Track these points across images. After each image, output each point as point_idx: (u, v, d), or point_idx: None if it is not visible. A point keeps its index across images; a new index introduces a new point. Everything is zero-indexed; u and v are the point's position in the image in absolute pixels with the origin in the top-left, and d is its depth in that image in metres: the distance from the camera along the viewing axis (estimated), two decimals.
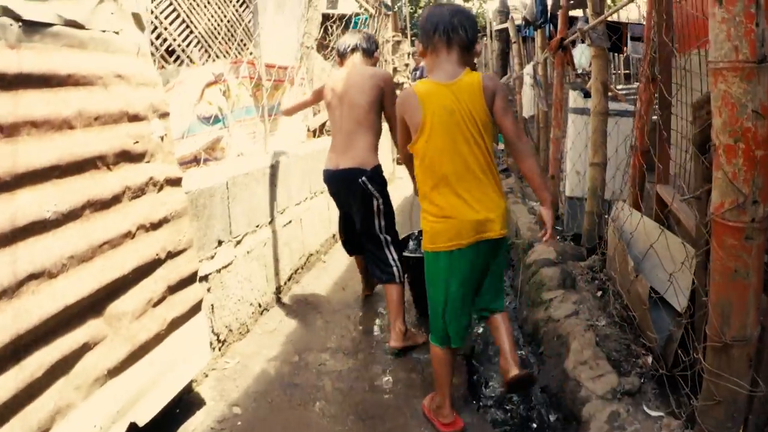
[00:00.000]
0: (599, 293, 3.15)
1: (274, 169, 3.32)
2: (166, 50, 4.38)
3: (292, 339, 2.99)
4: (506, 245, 2.06)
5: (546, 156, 7.78)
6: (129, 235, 1.79)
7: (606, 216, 3.50)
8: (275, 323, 3.10)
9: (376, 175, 2.82)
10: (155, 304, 1.90)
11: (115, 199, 1.74)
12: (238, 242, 2.82)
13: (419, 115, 1.87)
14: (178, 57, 4.80)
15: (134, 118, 1.86)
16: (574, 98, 3.99)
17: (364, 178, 2.76)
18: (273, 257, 3.26)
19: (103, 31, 1.79)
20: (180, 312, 2.05)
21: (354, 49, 2.99)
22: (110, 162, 1.73)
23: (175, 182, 2.10)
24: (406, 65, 9.53)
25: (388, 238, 2.90)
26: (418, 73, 10.99)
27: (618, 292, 2.79)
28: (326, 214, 4.31)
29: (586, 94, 4.47)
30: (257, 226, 3.06)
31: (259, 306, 3.08)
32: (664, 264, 2.21)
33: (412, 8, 20.90)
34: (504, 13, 10.69)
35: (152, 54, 4.22)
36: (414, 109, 1.89)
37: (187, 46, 5.03)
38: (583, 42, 3.75)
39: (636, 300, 2.46)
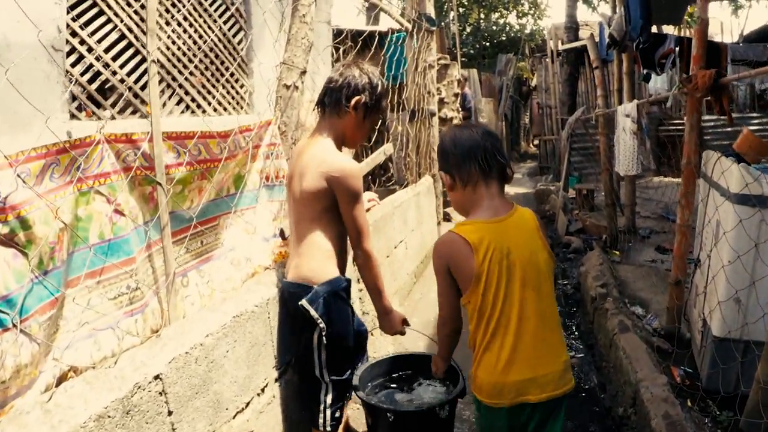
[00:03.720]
0: None
1: (175, 376, 1.61)
2: (102, 88, 2.84)
3: None
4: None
5: (632, 220, 5.79)
6: None
7: None
8: None
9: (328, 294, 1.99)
10: None
11: None
12: None
13: (472, 264, 1.54)
14: (119, 97, 3.13)
15: None
16: (741, 176, 2.30)
17: (305, 300, 1.97)
18: None
19: None
20: None
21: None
22: None
23: None
24: (456, 95, 7.85)
25: (329, 383, 2.09)
26: (465, 103, 9.40)
27: None
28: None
29: (739, 159, 2.78)
30: None
31: None
32: None
33: (461, 25, 19.33)
34: (572, 29, 8.97)
35: (75, 98, 2.73)
36: (465, 258, 1.55)
37: (136, 82, 3.35)
38: None
39: None
